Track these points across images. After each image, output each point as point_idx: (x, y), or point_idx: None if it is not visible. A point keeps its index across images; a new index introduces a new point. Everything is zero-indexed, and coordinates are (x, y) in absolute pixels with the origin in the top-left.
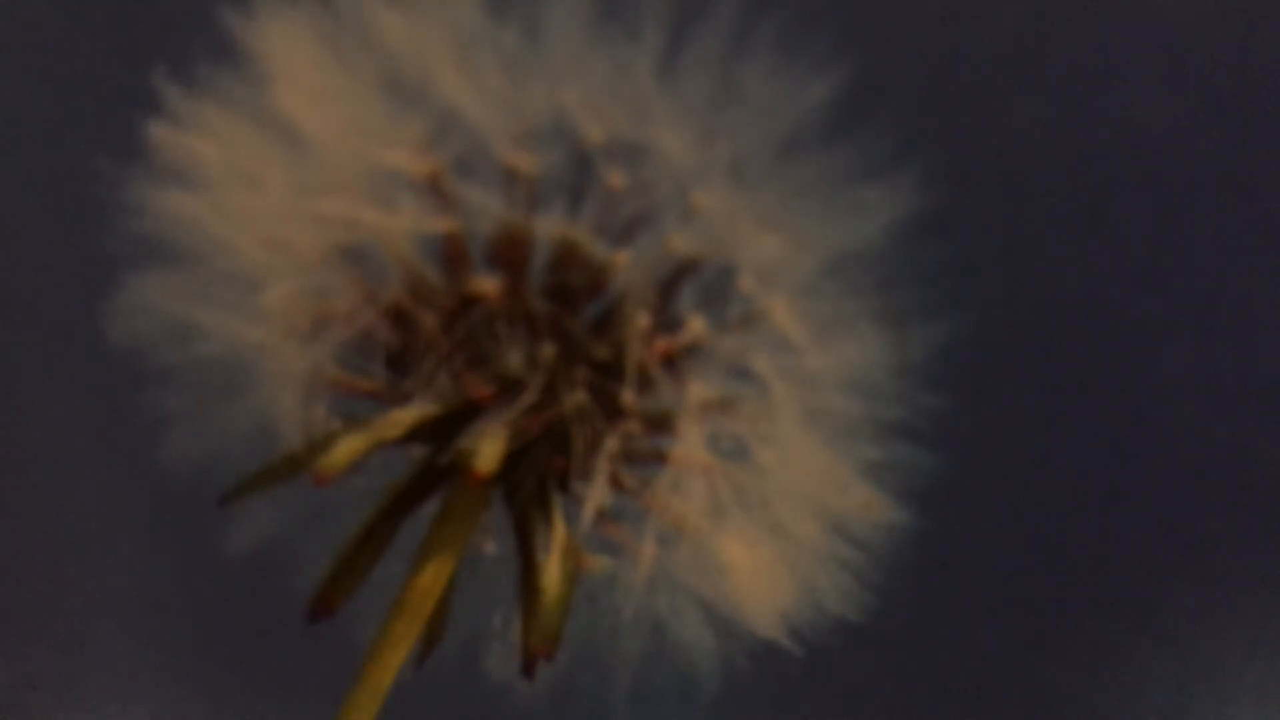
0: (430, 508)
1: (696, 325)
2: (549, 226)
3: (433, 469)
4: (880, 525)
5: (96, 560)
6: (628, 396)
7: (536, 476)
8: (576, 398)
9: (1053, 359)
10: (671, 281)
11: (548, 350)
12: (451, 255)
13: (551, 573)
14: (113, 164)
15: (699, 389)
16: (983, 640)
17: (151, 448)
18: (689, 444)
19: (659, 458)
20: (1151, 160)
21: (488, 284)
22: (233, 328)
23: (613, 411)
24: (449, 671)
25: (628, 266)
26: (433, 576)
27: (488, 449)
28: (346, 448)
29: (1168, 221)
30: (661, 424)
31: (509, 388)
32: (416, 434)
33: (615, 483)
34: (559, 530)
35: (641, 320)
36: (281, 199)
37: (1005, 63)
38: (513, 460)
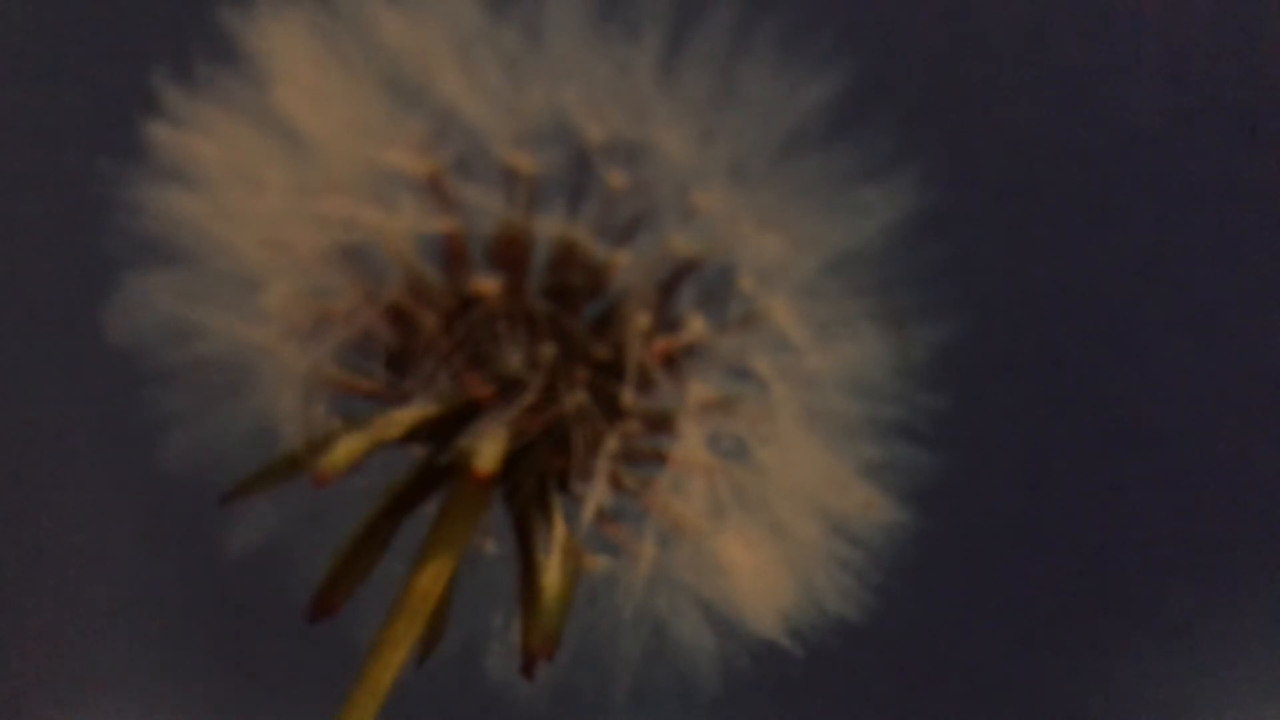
0: (430, 508)
1: (696, 325)
2: (549, 226)
3: (433, 469)
4: (880, 525)
5: (96, 560)
6: (628, 396)
7: (536, 476)
8: (576, 398)
9: (1052, 359)
10: (671, 281)
11: (548, 350)
12: (451, 255)
13: (551, 573)
14: (113, 164)
15: (699, 389)
16: (983, 640)
17: (151, 448)
18: (689, 444)
19: (659, 458)
20: (1151, 160)
21: (488, 284)
22: (233, 328)
23: (613, 411)
24: (449, 671)
25: (628, 266)
26: (433, 576)
27: (488, 449)
28: (346, 448)
29: (1167, 221)
30: (661, 424)
31: (509, 388)
32: (416, 434)
33: (615, 483)
34: (559, 530)
35: (641, 320)
36: (281, 199)
37: (1005, 63)
38: (513, 460)
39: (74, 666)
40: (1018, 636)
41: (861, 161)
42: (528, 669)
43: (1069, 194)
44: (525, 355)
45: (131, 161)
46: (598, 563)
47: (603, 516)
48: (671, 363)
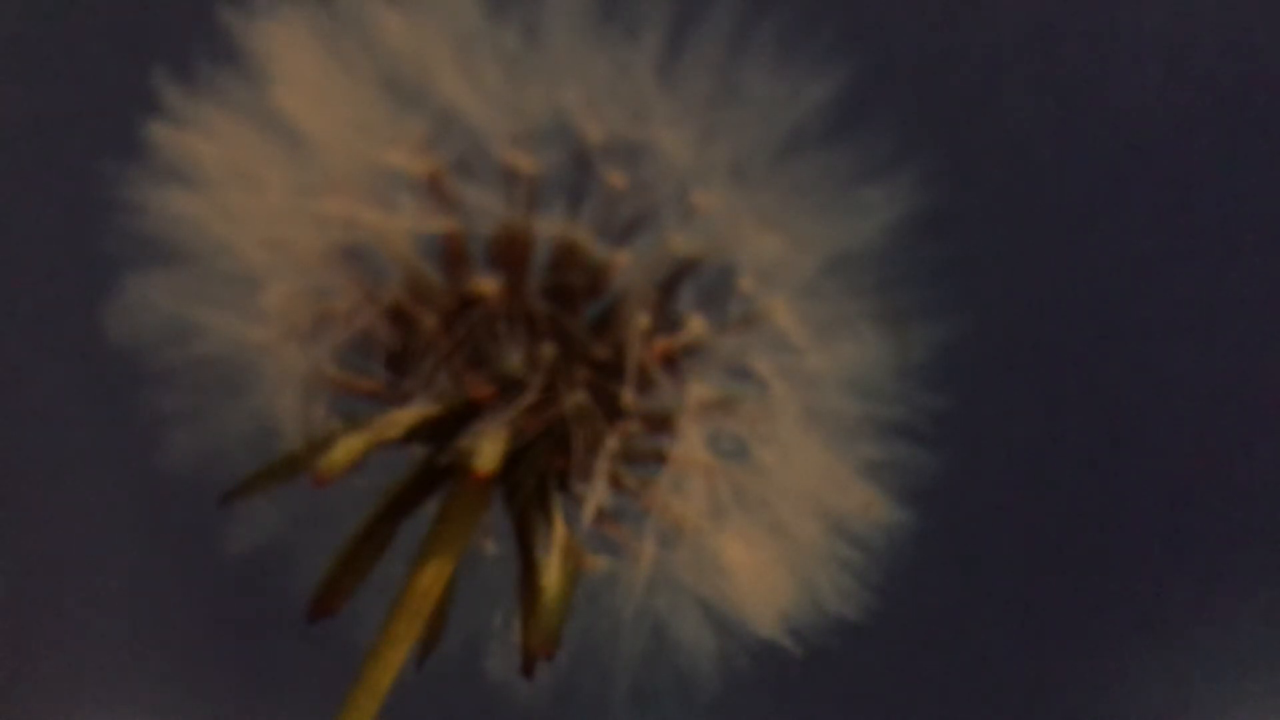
0: (430, 508)
1: (696, 325)
2: (549, 226)
3: (433, 469)
4: (880, 525)
5: (96, 560)
6: (628, 396)
7: (536, 476)
8: (576, 398)
9: (1053, 359)
10: (671, 281)
11: (548, 350)
12: (451, 255)
13: (551, 573)
14: (113, 164)
15: (699, 389)
16: (983, 640)
17: (151, 448)
18: (689, 444)
19: (659, 458)
20: (1151, 158)
21: (488, 284)
22: (233, 328)
23: (613, 411)
24: (449, 671)
25: (628, 266)
26: (433, 576)
27: (488, 449)
28: (346, 448)
29: (1167, 220)
30: (661, 424)
31: (509, 388)
32: (416, 434)
33: (615, 483)
34: (559, 530)
35: (641, 320)
36: (281, 199)
37: (1005, 62)
38: (513, 460)
39: (74, 666)
40: (1017, 636)
41: (861, 161)
42: (528, 669)
43: (1069, 193)
44: (525, 355)
45: (131, 161)
46: (598, 563)
47: (603, 516)
48: (671, 363)
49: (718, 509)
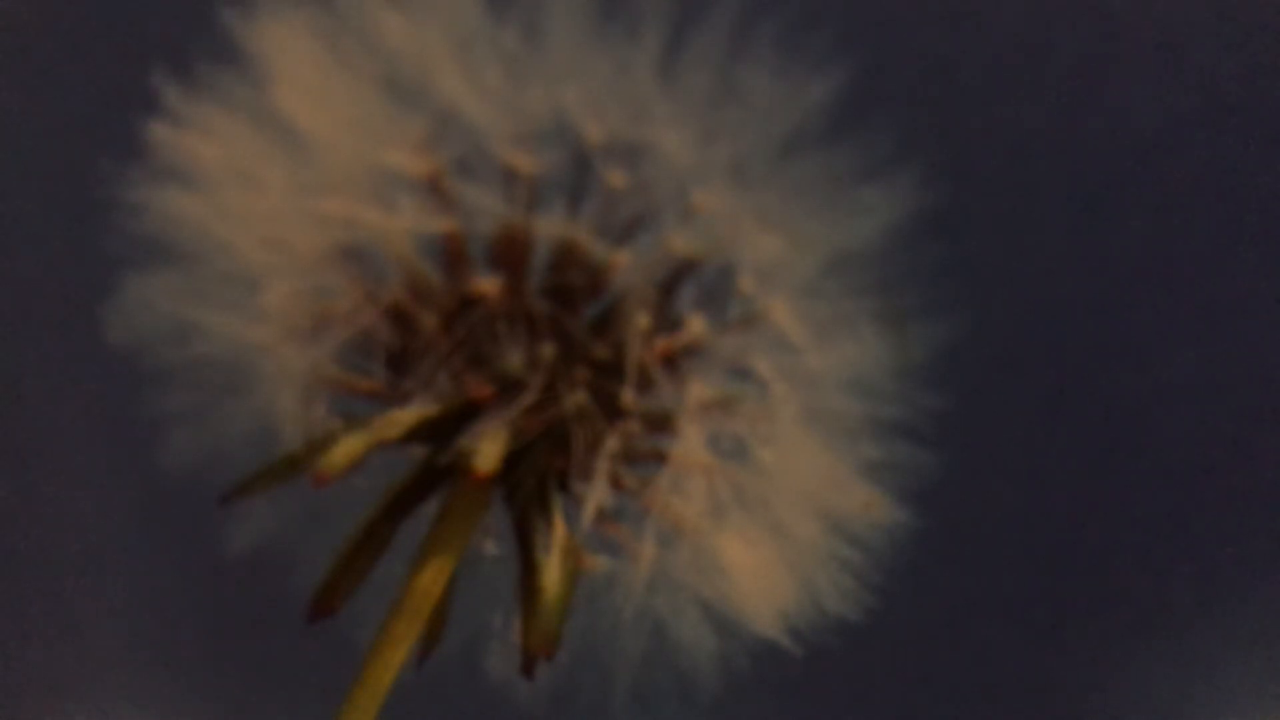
0: (430, 508)
1: (696, 325)
2: (549, 226)
3: (433, 469)
4: (880, 525)
5: (96, 560)
6: (628, 396)
7: (536, 476)
8: (576, 398)
9: (1052, 359)
10: (671, 281)
11: (548, 350)
12: (451, 255)
13: (551, 573)
14: (113, 164)
15: (699, 389)
16: (983, 640)
17: (151, 448)
18: (689, 444)
19: (659, 458)
20: (1151, 160)
21: (488, 284)
22: (233, 328)
23: (613, 411)
24: (449, 671)
25: (628, 266)
26: (433, 576)
27: (488, 449)
28: (346, 448)
29: (1167, 221)
30: (661, 424)
31: (509, 388)
32: (416, 434)
33: (615, 483)
34: (559, 530)
35: (641, 320)
36: (281, 199)
37: (1005, 63)
38: (513, 460)
39: (74, 666)
40: (1017, 636)
41: (861, 161)
42: (528, 669)
43: (1069, 194)
44: (525, 355)
45: (131, 161)
46: (598, 563)
47: (603, 516)
48: (671, 363)
49: (718, 509)
